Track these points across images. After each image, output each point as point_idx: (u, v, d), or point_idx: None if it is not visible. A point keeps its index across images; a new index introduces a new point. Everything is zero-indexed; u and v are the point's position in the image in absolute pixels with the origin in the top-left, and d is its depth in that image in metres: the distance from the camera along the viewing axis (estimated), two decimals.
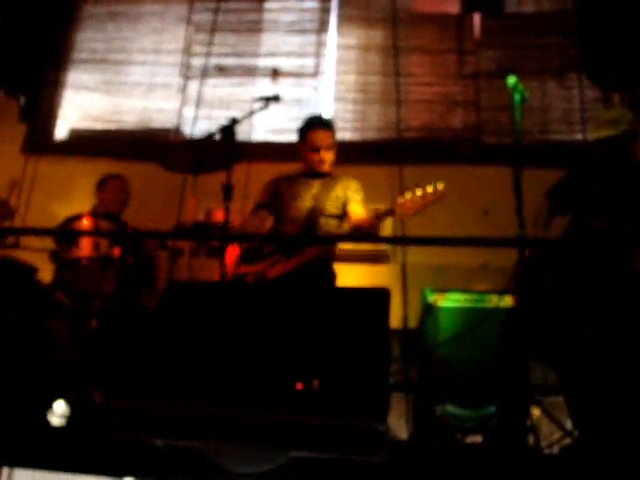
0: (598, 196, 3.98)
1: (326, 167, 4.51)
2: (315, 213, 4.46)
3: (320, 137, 4.47)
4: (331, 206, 4.48)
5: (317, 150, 4.47)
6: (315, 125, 4.53)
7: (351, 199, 4.50)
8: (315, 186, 4.52)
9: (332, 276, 4.43)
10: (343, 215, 4.50)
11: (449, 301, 4.09)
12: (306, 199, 4.49)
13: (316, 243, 4.37)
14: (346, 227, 4.43)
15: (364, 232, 4.17)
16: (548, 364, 3.89)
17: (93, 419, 3.67)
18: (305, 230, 4.42)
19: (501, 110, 5.98)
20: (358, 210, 4.46)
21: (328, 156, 4.49)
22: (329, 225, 4.46)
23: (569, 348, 3.71)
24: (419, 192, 3.94)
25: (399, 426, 3.86)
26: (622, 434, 3.34)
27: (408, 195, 3.96)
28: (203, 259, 4.51)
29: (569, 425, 3.74)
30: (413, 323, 4.29)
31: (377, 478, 3.16)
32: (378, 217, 4.11)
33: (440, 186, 3.93)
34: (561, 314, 3.76)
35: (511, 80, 3.85)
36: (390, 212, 4.03)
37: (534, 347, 3.73)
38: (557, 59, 6.18)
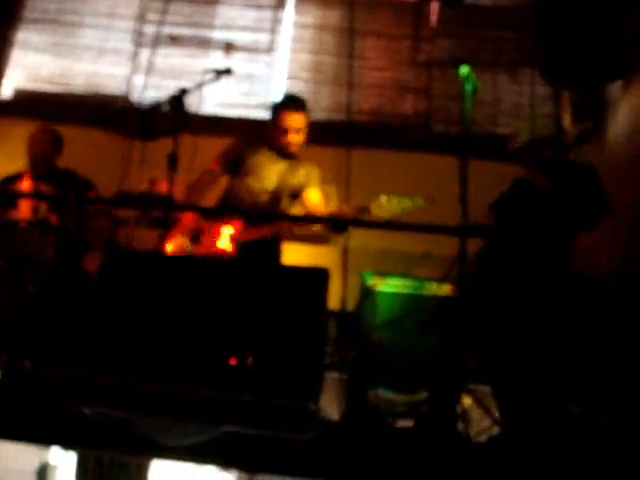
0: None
1: (295, 149, 4.47)
2: (278, 192, 4.44)
3: (291, 119, 4.41)
4: (293, 188, 4.46)
5: (286, 131, 4.42)
6: (288, 105, 4.47)
7: (310, 184, 4.50)
8: (280, 165, 4.49)
9: (279, 253, 4.43)
10: (297, 195, 4.50)
11: (388, 286, 4.12)
12: (271, 175, 4.47)
13: (264, 221, 4.35)
14: (297, 209, 4.44)
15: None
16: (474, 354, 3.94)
17: (22, 385, 3.61)
18: (268, 206, 4.40)
19: (452, 99, 6.00)
20: (315, 196, 4.46)
21: (297, 139, 4.44)
22: (288, 206, 4.49)
23: (489, 338, 3.77)
24: (395, 200, 3.98)
25: (331, 407, 3.87)
26: (540, 424, 3.41)
27: (384, 199, 4.00)
28: (144, 229, 4.46)
29: (498, 414, 3.80)
30: (352, 306, 4.30)
31: (306, 455, 3.19)
32: (358, 211, 4.10)
33: (418, 201, 3.98)
34: (482, 304, 3.83)
35: (464, 70, 3.87)
36: (365, 210, 4.04)
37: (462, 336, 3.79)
38: (511, 53, 6.24)
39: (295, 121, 4.41)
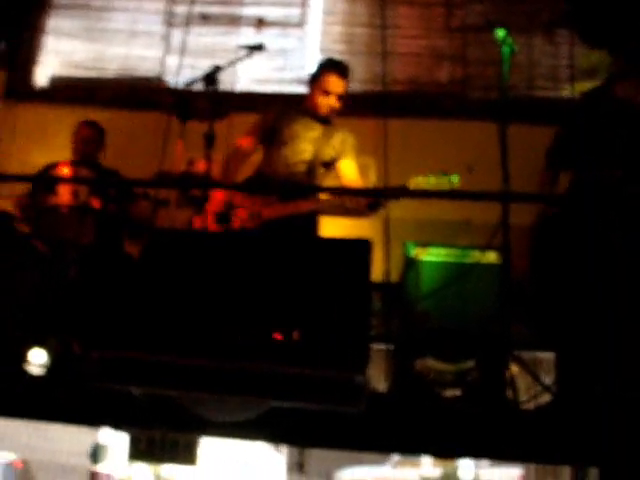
0: (594, 149, 3.94)
1: (329, 113, 4.44)
2: (313, 159, 4.42)
3: (335, 82, 4.38)
4: (327, 154, 4.44)
5: (328, 94, 4.39)
6: (334, 68, 4.42)
7: (346, 154, 4.47)
8: (316, 130, 4.46)
9: (316, 226, 4.42)
10: (331, 164, 4.47)
11: (431, 255, 4.08)
12: (304, 142, 4.44)
13: (301, 194, 4.33)
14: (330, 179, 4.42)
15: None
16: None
17: (72, 368, 3.66)
18: (303, 177, 4.38)
19: (488, 65, 5.92)
20: (349, 170, 4.43)
21: (336, 104, 4.42)
22: (322, 176, 4.46)
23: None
24: (432, 180, 3.95)
25: (378, 379, 3.87)
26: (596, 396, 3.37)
27: (420, 179, 3.98)
28: (184, 209, 4.48)
29: (547, 381, 3.77)
30: (395, 277, 4.28)
31: (355, 428, 3.19)
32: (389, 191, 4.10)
33: (455, 179, 3.95)
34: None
35: (500, 33, 3.82)
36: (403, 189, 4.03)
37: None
38: (546, 14, 6.12)
39: (337, 85, 4.38)
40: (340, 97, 4.41)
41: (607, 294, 3.44)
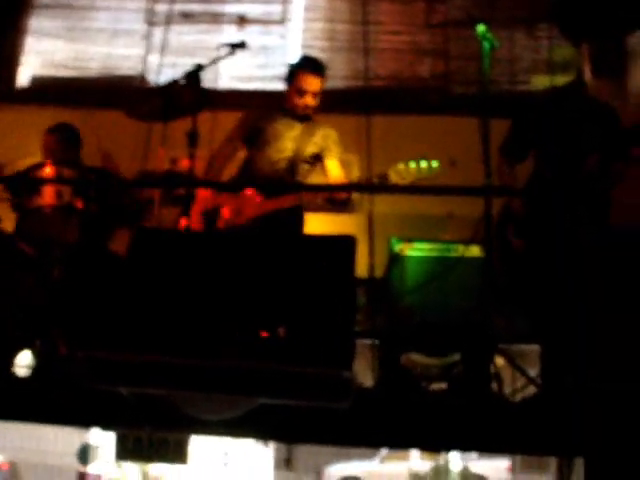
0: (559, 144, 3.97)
1: (308, 111, 4.47)
2: (296, 157, 4.44)
3: (309, 81, 4.40)
4: (309, 151, 4.47)
5: (303, 93, 4.41)
6: (307, 67, 4.44)
7: (329, 152, 4.50)
8: (296, 128, 4.49)
9: (301, 222, 4.44)
10: (317, 158, 4.50)
11: (415, 250, 4.10)
12: (287, 140, 4.47)
13: (285, 191, 4.34)
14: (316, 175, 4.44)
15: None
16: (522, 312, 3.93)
17: (58, 369, 3.65)
18: (285, 174, 4.40)
19: (469, 60, 5.94)
20: (335, 169, 4.46)
21: (313, 102, 4.44)
22: (304, 169, 4.50)
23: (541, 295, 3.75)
24: (413, 165, 3.97)
25: (365, 374, 3.89)
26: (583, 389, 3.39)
27: (402, 166, 4.00)
28: (168, 208, 4.47)
29: (532, 373, 3.80)
30: (379, 272, 4.30)
31: (342, 424, 3.21)
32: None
33: (435, 164, 3.97)
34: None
35: (481, 28, 3.83)
36: (383, 177, 4.05)
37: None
38: (527, 9, 6.15)
39: (311, 83, 4.40)
40: (316, 94, 4.43)
41: (578, 285, 3.48)
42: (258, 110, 4.63)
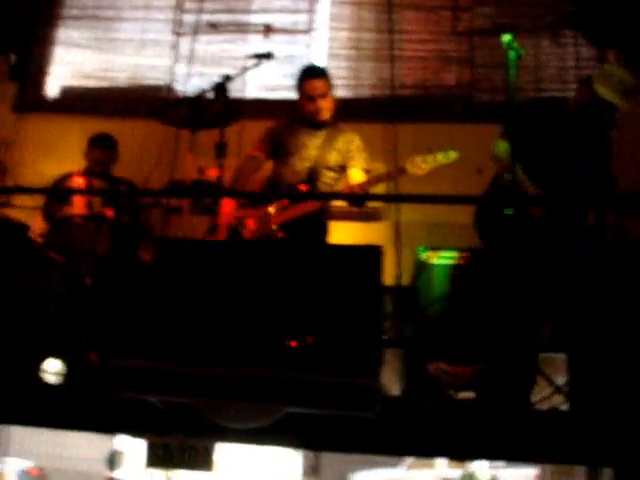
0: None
1: (325, 115, 4.54)
2: (317, 165, 4.48)
3: (314, 85, 4.50)
4: (333, 159, 4.51)
5: (312, 99, 4.49)
6: (308, 74, 4.56)
7: (353, 159, 4.55)
8: (318, 137, 4.55)
9: (325, 231, 4.46)
10: (343, 168, 4.54)
11: (442, 259, 4.10)
12: (310, 149, 4.53)
13: (310, 199, 4.38)
14: (342, 185, 4.47)
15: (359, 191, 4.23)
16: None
17: (88, 377, 3.69)
18: (307, 181, 4.44)
19: (495, 68, 5.93)
20: (358, 177, 4.49)
21: (325, 104, 4.51)
22: (328, 178, 4.53)
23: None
24: (430, 158, 4.02)
25: (392, 383, 3.89)
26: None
27: (418, 157, 4.04)
28: (196, 217, 4.51)
29: (560, 381, 3.78)
30: (406, 281, 4.30)
31: (369, 432, 3.22)
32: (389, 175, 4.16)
33: (452, 155, 4.01)
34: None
35: (506, 37, 3.82)
36: (401, 170, 4.09)
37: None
38: (551, 16, 6.12)
39: (316, 87, 4.50)
40: (324, 96, 4.51)
41: (613, 295, 3.48)
42: (278, 124, 4.70)
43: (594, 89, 4.10)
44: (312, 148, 4.54)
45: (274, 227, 4.29)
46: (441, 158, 4.10)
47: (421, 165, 4.08)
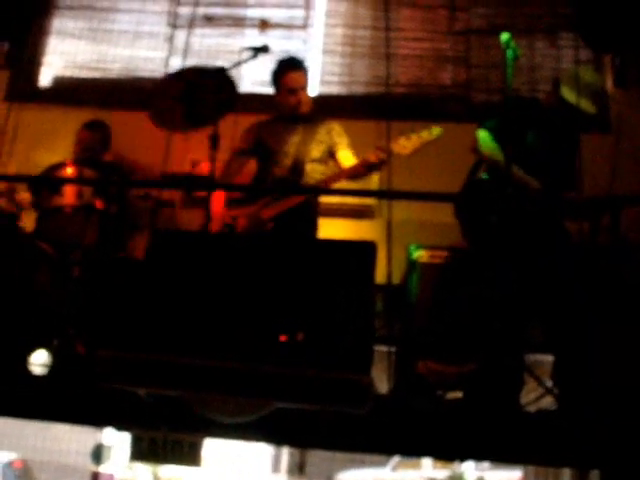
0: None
1: (305, 108, 4.51)
2: (300, 159, 4.44)
3: (295, 78, 4.48)
4: (316, 150, 4.48)
5: (294, 91, 4.46)
6: (289, 66, 4.52)
7: (338, 144, 4.52)
8: (298, 130, 4.52)
9: (314, 227, 4.44)
10: (327, 159, 4.52)
11: (433, 258, 4.09)
12: (290, 144, 4.49)
13: (301, 194, 4.35)
14: (331, 172, 4.43)
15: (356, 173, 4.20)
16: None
17: (75, 368, 3.67)
18: (290, 176, 4.41)
19: (491, 68, 5.93)
20: (348, 157, 4.47)
21: (305, 96, 4.49)
22: (315, 172, 4.48)
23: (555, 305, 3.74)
24: (414, 137, 4.02)
25: (380, 381, 3.88)
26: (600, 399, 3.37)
27: (402, 138, 4.04)
28: (187, 210, 4.49)
29: (549, 383, 3.78)
30: (397, 279, 4.29)
31: (356, 430, 3.20)
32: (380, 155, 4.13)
33: (435, 131, 4.02)
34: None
35: (504, 36, 3.81)
36: (388, 152, 4.11)
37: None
38: (548, 17, 6.12)
39: (297, 80, 4.48)
40: (304, 89, 4.50)
41: (588, 295, 3.48)
42: (254, 125, 4.67)
43: (560, 92, 4.09)
44: (292, 143, 4.51)
45: (264, 222, 4.26)
46: (425, 135, 4.10)
47: (406, 144, 4.08)
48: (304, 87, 4.49)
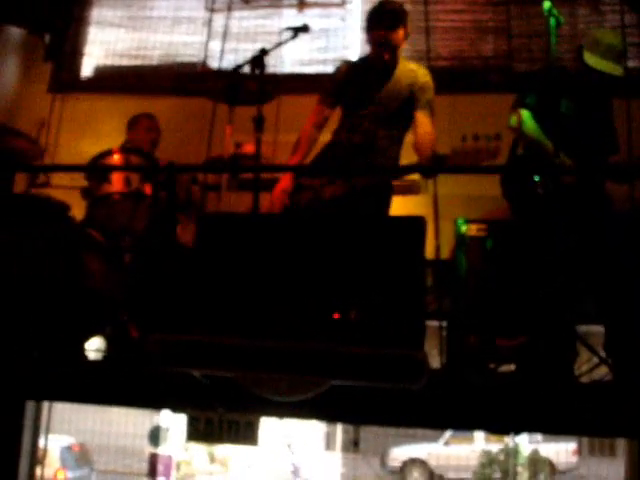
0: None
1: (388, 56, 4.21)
2: (375, 124, 4.24)
3: (384, 37, 4.14)
4: (393, 107, 4.25)
5: (383, 46, 4.17)
6: (377, 25, 4.20)
7: (418, 101, 4.23)
8: (379, 85, 4.26)
9: (386, 206, 4.28)
10: (403, 121, 4.28)
11: (482, 231, 4.07)
12: (367, 101, 4.24)
13: (352, 175, 4.20)
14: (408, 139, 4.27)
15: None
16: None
17: (129, 353, 3.72)
18: (364, 143, 4.22)
19: (532, 37, 5.85)
20: (424, 125, 4.18)
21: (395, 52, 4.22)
22: (388, 139, 4.25)
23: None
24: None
25: (431, 356, 3.88)
26: None
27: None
28: (235, 192, 4.50)
29: (603, 354, 3.75)
30: (445, 254, 4.28)
31: (409, 406, 3.21)
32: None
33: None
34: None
35: (546, 4, 3.74)
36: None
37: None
38: None
39: (387, 39, 4.16)
40: (396, 47, 4.20)
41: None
42: (346, 67, 4.42)
43: (583, 58, 4.01)
44: (370, 100, 4.23)
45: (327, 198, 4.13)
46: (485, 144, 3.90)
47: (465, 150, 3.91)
48: (395, 45, 4.19)
